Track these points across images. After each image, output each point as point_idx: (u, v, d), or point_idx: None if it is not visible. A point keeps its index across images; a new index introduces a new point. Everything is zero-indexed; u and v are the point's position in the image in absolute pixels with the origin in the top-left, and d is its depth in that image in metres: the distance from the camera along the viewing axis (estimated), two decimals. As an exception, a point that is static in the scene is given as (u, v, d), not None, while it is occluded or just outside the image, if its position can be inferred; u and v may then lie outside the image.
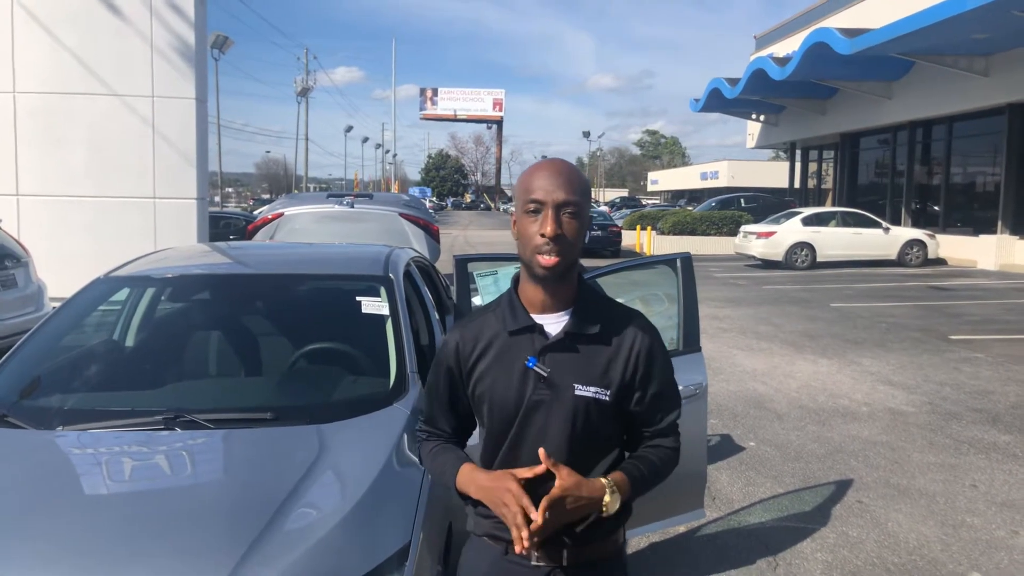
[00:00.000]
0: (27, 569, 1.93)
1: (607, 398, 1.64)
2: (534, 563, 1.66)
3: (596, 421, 1.65)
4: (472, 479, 1.66)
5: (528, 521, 1.52)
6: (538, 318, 1.66)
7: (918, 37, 16.97)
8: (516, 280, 1.71)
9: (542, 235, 1.58)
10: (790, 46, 25.79)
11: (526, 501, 1.54)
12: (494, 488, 1.59)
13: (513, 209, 1.70)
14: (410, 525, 2.17)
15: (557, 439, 1.63)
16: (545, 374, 1.63)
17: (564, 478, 1.57)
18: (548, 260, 1.58)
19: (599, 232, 23.04)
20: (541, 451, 1.58)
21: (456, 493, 1.71)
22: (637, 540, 4.00)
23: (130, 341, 3.52)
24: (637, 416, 1.71)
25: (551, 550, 1.65)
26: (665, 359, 1.73)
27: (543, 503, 1.53)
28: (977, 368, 7.97)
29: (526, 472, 1.59)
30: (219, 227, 16.62)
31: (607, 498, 1.60)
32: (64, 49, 8.87)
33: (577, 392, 1.63)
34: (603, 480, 1.62)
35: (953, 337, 9.67)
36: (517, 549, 1.53)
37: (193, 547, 2.01)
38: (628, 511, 1.71)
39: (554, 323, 1.66)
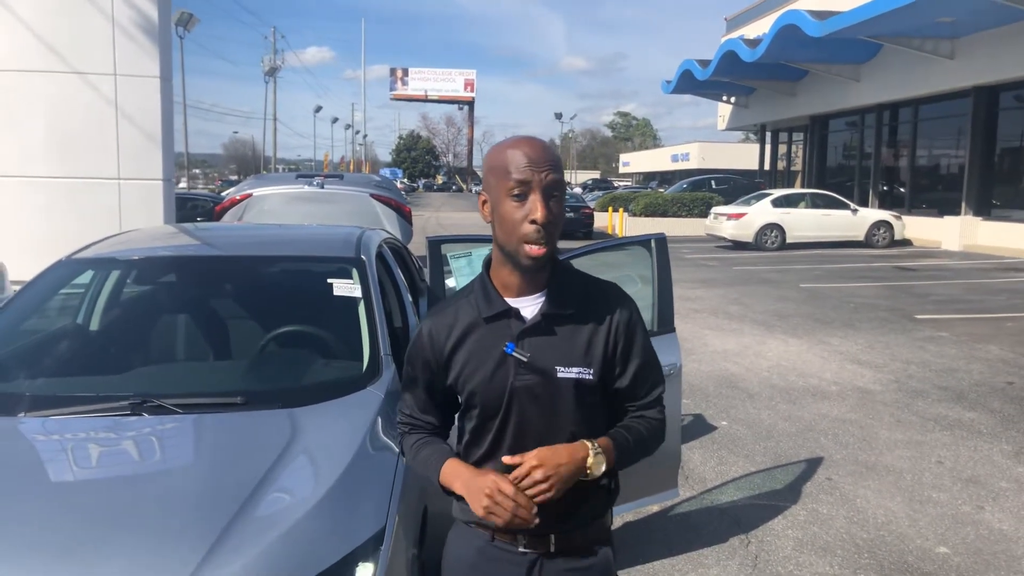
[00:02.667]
0: (-10, 559, 1.87)
1: (591, 377, 1.60)
2: (521, 550, 1.63)
3: (582, 402, 1.61)
4: (456, 474, 1.60)
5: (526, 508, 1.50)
6: (513, 302, 1.60)
7: (886, 20, 17.11)
8: (487, 264, 1.65)
9: (532, 221, 1.50)
10: (761, 28, 25.89)
11: (521, 498, 1.50)
12: (478, 485, 1.54)
13: (482, 190, 1.61)
14: (385, 509, 2.15)
15: (544, 423, 1.59)
16: (525, 359, 1.58)
17: (535, 451, 1.52)
18: (538, 250, 1.51)
19: (571, 214, 23.04)
20: (504, 458, 1.54)
21: (440, 488, 1.65)
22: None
23: (95, 325, 3.44)
24: (622, 392, 1.67)
25: (538, 537, 1.62)
26: (644, 331, 1.70)
27: (520, 472, 1.51)
28: (942, 347, 8.12)
29: (509, 459, 1.55)
30: (186, 209, 16.34)
31: (590, 459, 1.54)
32: (22, 25, 8.59)
33: (560, 374, 1.58)
34: (584, 442, 1.56)
35: (919, 316, 9.83)
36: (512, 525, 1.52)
37: (162, 534, 1.97)
38: (616, 490, 1.69)
39: (530, 306, 1.60)
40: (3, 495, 2.14)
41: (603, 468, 1.56)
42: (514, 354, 1.58)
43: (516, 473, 1.51)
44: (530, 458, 1.51)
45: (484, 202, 1.59)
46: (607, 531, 1.74)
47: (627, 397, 1.69)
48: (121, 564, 1.87)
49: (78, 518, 2.05)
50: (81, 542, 1.94)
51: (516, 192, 1.51)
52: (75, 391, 2.77)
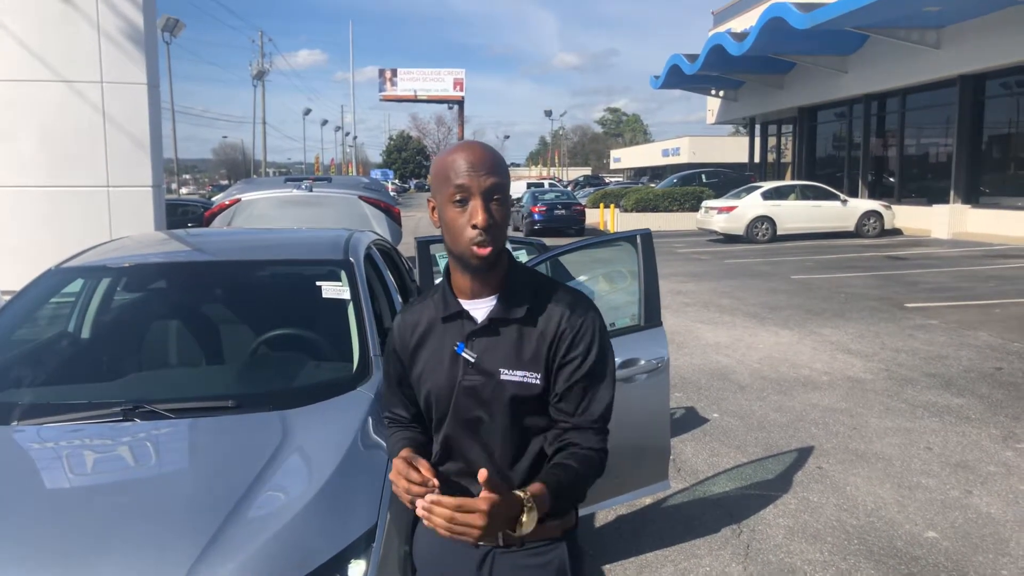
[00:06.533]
0: (-14, 566, 1.90)
1: (537, 381, 1.60)
2: (473, 544, 1.62)
3: (526, 406, 1.62)
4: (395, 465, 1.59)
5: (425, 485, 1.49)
6: (467, 304, 1.64)
7: (872, 10, 17.18)
8: (448, 269, 1.69)
9: (474, 226, 1.53)
10: (748, 21, 25.93)
11: (412, 473, 1.50)
12: (393, 468, 1.55)
13: (430, 196, 1.63)
14: (376, 507, 2.18)
15: (488, 423, 1.62)
16: (472, 359, 1.61)
17: (490, 496, 1.42)
18: (483, 250, 1.55)
19: (563, 211, 23.12)
20: (482, 472, 1.42)
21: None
22: (604, 513, 4.06)
23: (86, 333, 3.45)
24: (557, 398, 1.61)
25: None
26: (600, 342, 1.62)
27: (458, 501, 1.42)
28: (931, 335, 8.19)
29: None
30: (177, 215, 16.33)
31: (524, 517, 1.47)
32: (9, 36, 8.59)
33: (504, 377, 1.60)
34: (521, 495, 1.47)
35: (909, 305, 9.90)
36: (419, 511, 1.45)
37: (156, 538, 1.99)
38: (581, 498, 1.65)
39: (481, 308, 1.64)
40: (-2, 503, 2.17)
41: (533, 526, 1.48)
42: (463, 354, 1.62)
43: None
44: (481, 503, 1.41)
45: (433, 208, 1.62)
46: (564, 531, 1.68)
47: (559, 405, 1.61)
48: (116, 567, 1.89)
49: (73, 524, 2.07)
50: (76, 547, 1.97)
51: (457, 198, 1.55)
52: (68, 399, 2.78)
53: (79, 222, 8.61)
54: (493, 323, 1.63)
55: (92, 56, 8.80)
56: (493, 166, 1.57)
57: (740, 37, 23.02)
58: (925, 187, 21.46)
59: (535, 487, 1.51)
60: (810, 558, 3.61)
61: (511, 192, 1.69)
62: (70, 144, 8.85)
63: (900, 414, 5.66)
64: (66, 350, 3.39)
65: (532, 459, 1.63)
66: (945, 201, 19.48)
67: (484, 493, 1.41)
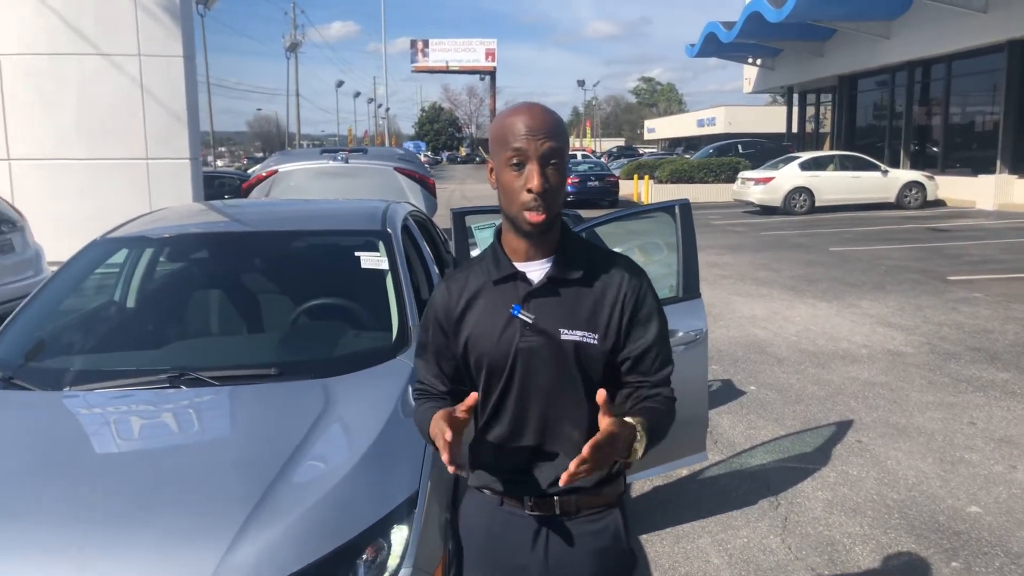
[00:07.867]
0: (37, 528, 1.96)
1: (595, 341, 1.60)
2: (528, 512, 1.66)
3: (585, 366, 1.61)
4: (433, 421, 1.58)
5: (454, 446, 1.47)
6: (521, 266, 1.63)
7: (917, -27, 16.66)
8: (499, 232, 1.68)
9: (529, 190, 1.53)
10: (787, -14, 25.29)
11: (443, 424, 1.48)
12: (433, 421, 1.53)
13: (490, 159, 1.63)
14: (418, 474, 2.20)
15: (546, 385, 1.61)
16: (530, 320, 1.60)
17: (611, 423, 1.45)
18: (537, 217, 1.54)
19: (596, 182, 22.95)
20: (600, 393, 1.44)
21: (434, 446, 1.61)
22: (640, 484, 4.07)
23: (131, 302, 3.53)
24: (630, 364, 1.64)
25: (543, 499, 1.64)
26: (656, 304, 1.66)
27: (588, 446, 1.41)
28: (976, 308, 8.01)
29: (462, 407, 1.51)
30: (214, 187, 16.51)
31: (637, 444, 1.51)
32: (49, 10, 8.70)
33: (564, 337, 1.59)
34: (632, 422, 1.51)
35: (952, 278, 9.69)
36: (450, 469, 1.48)
37: (204, 502, 2.04)
38: (662, 437, 1.66)
39: (537, 270, 1.63)
40: (50, 466, 2.23)
41: (641, 453, 1.52)
42: (520, 316, 1.60)
43: (465, 404, 1.50)
44: (608, 421, 1.44)
45: (491, 170, 1.62)
46: (616, 496, 1.72)
47: (635, 370, 1.65)
48: (165, 528, 1.94)
49: (121, 486, 2.13)
50: (125, 509, 2.02)
51: (514, 161, 1.54)
52: (116, 366, 2.85)
53: (119, 194, 8.77)
54: (552, 282, 1.61)
55: (129, 29, 8.90)
56: (551, 130, 1.55)
57: (778, 3, 22.43)
58: (970, 157, 20.86)
59: (639, 419, 1.54)
60: (849, 531, 3.58)
61: None
62: (110, 117, 9.00)
63: (943, 388, 5.56)
64: (113, 318, 3.47)
65: (591, 420, 1.59)
66: (991, 171, 18.95)
67: (603, 422, 1.43)
